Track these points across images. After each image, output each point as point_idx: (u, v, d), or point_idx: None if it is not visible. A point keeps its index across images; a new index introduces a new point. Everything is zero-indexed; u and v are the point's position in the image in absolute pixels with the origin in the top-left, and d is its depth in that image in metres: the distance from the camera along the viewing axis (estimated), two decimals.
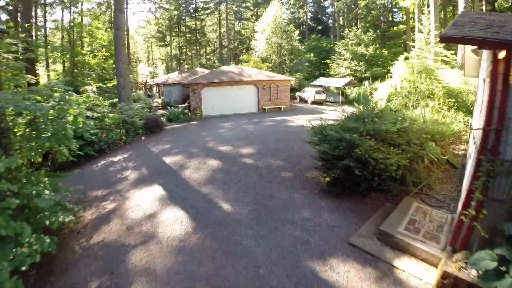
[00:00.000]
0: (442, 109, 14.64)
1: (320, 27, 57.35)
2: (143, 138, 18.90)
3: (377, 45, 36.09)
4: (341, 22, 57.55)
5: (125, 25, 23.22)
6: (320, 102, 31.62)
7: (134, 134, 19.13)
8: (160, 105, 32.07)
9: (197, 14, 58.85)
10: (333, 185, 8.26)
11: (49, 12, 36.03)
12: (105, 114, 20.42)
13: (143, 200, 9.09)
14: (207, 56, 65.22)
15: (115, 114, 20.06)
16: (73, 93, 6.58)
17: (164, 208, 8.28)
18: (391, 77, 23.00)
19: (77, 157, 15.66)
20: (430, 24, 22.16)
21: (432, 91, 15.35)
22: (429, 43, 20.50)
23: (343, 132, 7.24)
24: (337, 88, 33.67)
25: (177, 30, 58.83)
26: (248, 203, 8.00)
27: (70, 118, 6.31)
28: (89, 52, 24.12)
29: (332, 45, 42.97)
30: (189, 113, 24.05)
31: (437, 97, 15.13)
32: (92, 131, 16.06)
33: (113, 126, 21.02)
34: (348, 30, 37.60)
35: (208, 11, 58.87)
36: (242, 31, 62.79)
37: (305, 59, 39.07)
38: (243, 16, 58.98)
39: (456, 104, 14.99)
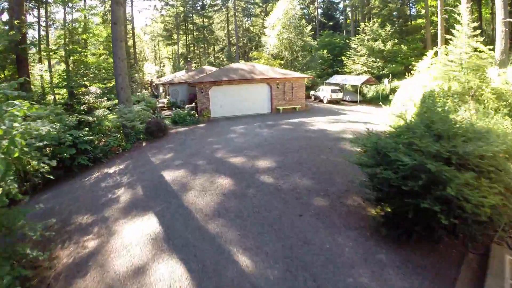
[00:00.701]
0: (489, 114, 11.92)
1: (331, 23, 54.31)
2: (144, 144, 16.65)
3: (395, 40, 33.05)
4: (353, 17, 54.51)
5: (123, 19, 20.80)
6: (336, 102, 28.91)
7: (134, 140, 16.89)
8: (166, 106, 29.82)
9: (204, 11, 56.42)
10: (394, 227, 5.75)
11: (51, 12, 34.15)
12: (103, 117, 18.24)
13: (132, 240, 6.72)
14: (216, 55, 62.83)
15: (115, 116, 17.84)
16: (16, 102, 4.22)
17: (158, 258, 5.88)
18: (412, 74, 20.28)
19: (68, 170, 13.38)
20: (461, 16, 19.25)
21: (481, 93, 12.59)
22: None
23: (423, 159, 4.70)
24: (354, 86, 30.92)
25: (184, 28, 56.53)
26: (276, 256, 5.53)
27: (4, 142, 3.92)
28: (86, 50, 21.81)
29: (346, 41, 40.08)
30: (196, 115, 21.68)
31: (487, 99, 12.38)
32: (85, 138, 13.94)
33: (114, 130, 18.85)
34: (365, 24, 34.64)
35: (216, 8, 56.37)
36: (251, 28, 60.15)
37: (318, 56, 36.28)
38: (251, 13, 56.33)
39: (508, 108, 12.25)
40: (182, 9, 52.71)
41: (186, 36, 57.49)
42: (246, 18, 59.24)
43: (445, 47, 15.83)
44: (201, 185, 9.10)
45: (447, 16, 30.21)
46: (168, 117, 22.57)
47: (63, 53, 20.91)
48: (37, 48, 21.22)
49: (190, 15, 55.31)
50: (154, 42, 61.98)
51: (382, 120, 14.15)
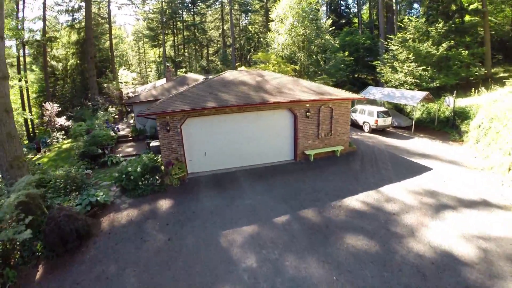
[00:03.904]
0: None
1: (343, 21, 42.98)
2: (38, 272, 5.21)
3: (451, 42, 21.81)
4: (364, 13, 43.51)
5: None
6: (382, 129, 17.86)
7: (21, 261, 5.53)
8: (130, 135, 18.47)
9: (195, 7, 44.65)
10: None
11: None
12: None
13: None
14: (210, 58, 51.24)
15: None
16: None
17: None
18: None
19: None
20: None
21: None
22: None
23: None
24: (394, 104, 19.98)
25: (172, 26, 44.76)
26: None
27: None
28: None
29: (374, 41, 28.98)
30: (160, 175, 10.49)
31: None
32: None
33: None
34: (408, 18, 23.40)
35: (209, 2, 44.60)
36: (249, 27, 48.56)
37: (340, 59, 25.01)
38: (249, 9, 44.68)
39: None
40: (167, 3, 40.85)
41: (174, 37, 45.74)
42: (244, 14, 47.57)
43: None
44: None
45: None
46: (112, 177, 11.46)
47: None
48: None
49: (179, 11, 43.55)
50: (139, 44, 49.99)
51: None
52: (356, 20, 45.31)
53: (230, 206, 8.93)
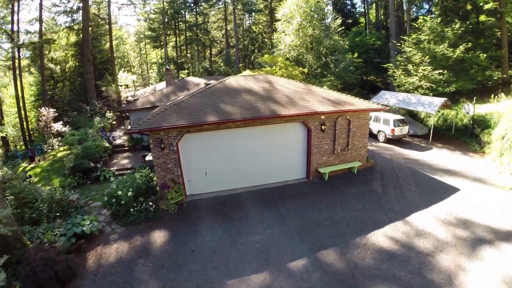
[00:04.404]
0: None
1: (349, 21, 41.23)
2: None
3: (469, 44, 20.06)
4: (370, 13, 41.89)
5: None
6: (399, 139, 16.27)
7: None
8: (126, 145, 17.04)
9: (197, 7, 43.09)
10: None
11: None
12: None
13: None
14: (213, 59, 49.71)
15: None
16: None
17: None
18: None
19: None
20: None
21: None
22: None
23: None
24: (407, 110, 18.36)
25: (174, 27, 43.25)
26: None
27: None
28: None
29: (382, 42, 27.30)
30: (155, 197, 9.07)
31: None
32: None
33: None
34: (423, 18, 21.68)
35: (211, 2, 43.00)
36: (253, 27, 46.95)
37: (350, 61, 23.38)
38: (253, 8, 43.02)
39: None
40: (169, 3, 39.33)
41: (176, 37, 44.23)
42: (248, 14, 45.89)
43: None
44: None
45: None
46: (103, 197, 10.09)
47: None
48: None
49: (181, 11, 42.00)
50: (141, 45, 48.55)
51: None
52: (362, 20, 43.57)
53: (235, 243, 7.45)
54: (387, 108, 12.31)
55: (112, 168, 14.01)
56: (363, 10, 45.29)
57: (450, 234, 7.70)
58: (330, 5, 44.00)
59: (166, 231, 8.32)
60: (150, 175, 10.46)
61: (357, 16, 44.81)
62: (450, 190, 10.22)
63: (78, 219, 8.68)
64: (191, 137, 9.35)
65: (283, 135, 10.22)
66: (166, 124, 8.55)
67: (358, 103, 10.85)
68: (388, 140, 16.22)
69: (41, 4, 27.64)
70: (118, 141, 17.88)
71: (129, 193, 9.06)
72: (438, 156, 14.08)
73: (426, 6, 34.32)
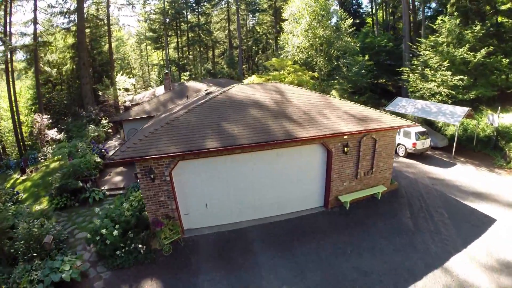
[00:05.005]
0: None
1: (357, 21, 39.27)
2: None
3: (490, 48, 18.15)
4: (388, 14, 39.98)
5: None
6: (420, 153, 14.51)
7: None
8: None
9: (199, 7, 41.35)
10: None
11: None
12: None
13: None
14: (215, 60, 47.98)
15: None
16: None
17: None
18: None
19: None
20: None
21: None
22: None
23: None
24: (423, 118, 16.58)
25: (175, 27, 41.53)
26: None
27: None
28: None
29: (393, 43, 25.42)
30: (146, 234, 7.46)
31: None
32: None
33: None
34: (441, 19, 19.79)
35: (214, 2, 41.21)
36: (257, 27, 45.15)
37: (362, 64, 21.56)
38: (257, 8, 41.17)
39: None
40: (170, 3, 37.60)
41: (177, 38, 42.50)
42: (251, 14, 44.02)
43: None
44: None
45: None
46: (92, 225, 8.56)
47: None
48: None
49: (183, 11, 40.27)
50: (141, 46, 46.84)
51: None
52: (369, 20, 41.63)
53: None
54: (417, 125, 10.48)
55: (102, 188, 12.38)
56: (370, 10, 43.38)
57: (494, 285, 6.14)
58: (336, 5, 42.20)
59: (159, 281, 6.68)
60: (141, 202, 8.83)
61: (364, 16, 42.86)
62: (485, 222, 8.62)
63: (57, 262, 7.11)
64: (187, 164, 7.68)
65: (299, 159, 8.51)
66: (156, 150, 6.87)
67: (386, 119, 9.11)
68: (409, 154, 14.46)
69: (35, 5, 26.05)
70: (112, 152, 16.23)
71: (115, 232, 7.43)
72: (464, 174, 12.43)
73: (434, 5, 32.26)
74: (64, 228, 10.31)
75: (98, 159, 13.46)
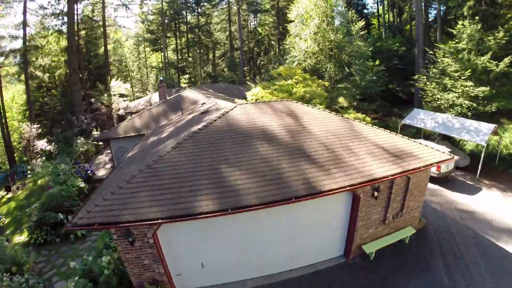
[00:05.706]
0: None
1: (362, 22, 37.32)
2: None
3: None
4: (394, 15, 38.13)
5: None
6: (444, 177, 12.86)
7: None
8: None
9: (199, 8, 39.47)
10: None
11: None
12: None
13: None
14: (216, 61, 46.12)
15: None
16: None
17: None
18: None
19: None
20: None
21: None
22: None
23: None
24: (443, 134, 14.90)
25: (174, 29, 39.68)
26: None
27: None
28: None
29: (405, 48, 23.66)
30: None
31: None
32: None
33: None
34: (462, 23, 18.01)
35: (214, 2, 39.29)
36: (259, 28, 43.28)
37: (376, 71, 19.80)
38: (259, 8, 39.26)
39: None
40: (168, 3, 35.71)
41: (176, 40, 40.64)
42: (253, 14, 42.07)
43: None
44: None
45: None
46: (73, 271, 6.98)
47: None
48: None
49: (182, 12, 38.39)
50: (140, 48, 44.88)
51: None
52: (374, 21, 39.70)
53: None
54: (456, 158, 8.64)
55: None
56: (375, 11, 41.48)
57: None
58: (341, 7, 40.25)
59: None
60: (124, 263, 7.17)
61: (369, 17, 40.91)
62: None
63: None
64: (174, 227, 5.99)
65: (319, 208, 6.82)
66: (131, 215, 5.16)
67: (423, 153, 7.41)
68: (431, 178, 12.79)
69: (25, 7, 24.28)
70: (101, 172, 14.54)
71: None
72: (492, 203, 10.95)
73: (443, 8, 30.27)
74: (41, 274, 8.75)
75: (82, 184, 11.78)
